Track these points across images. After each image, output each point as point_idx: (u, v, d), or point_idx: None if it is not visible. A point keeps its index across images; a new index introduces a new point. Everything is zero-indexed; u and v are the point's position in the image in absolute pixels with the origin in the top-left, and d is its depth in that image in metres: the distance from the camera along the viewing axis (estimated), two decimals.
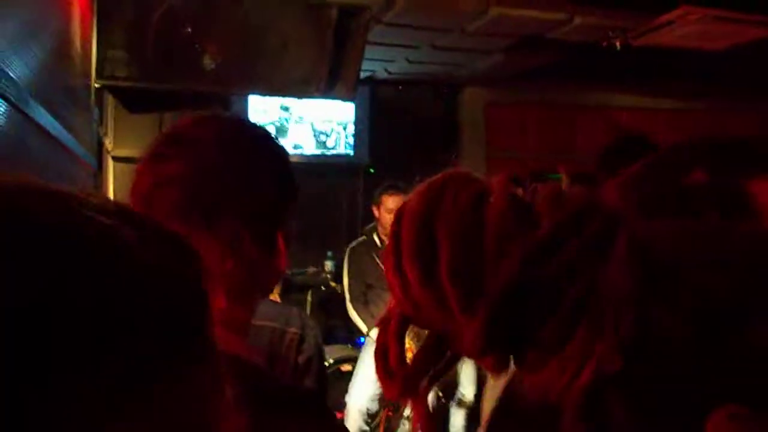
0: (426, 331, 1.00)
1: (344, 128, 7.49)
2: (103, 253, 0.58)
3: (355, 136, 7.49)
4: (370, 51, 5.95)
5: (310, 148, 7.36)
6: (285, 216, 1.39)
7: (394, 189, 5.35)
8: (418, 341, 3.65)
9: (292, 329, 2.72)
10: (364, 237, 5.63)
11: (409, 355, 3.36)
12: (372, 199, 5.74)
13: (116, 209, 0.64)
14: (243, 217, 1.30)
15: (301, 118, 7.29)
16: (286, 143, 7.29)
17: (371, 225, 5.62)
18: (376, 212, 5.45)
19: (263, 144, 1.41)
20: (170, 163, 1.30)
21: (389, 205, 5.28)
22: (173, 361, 0.61)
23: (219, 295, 1.28)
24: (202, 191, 1.29)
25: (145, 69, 4.77)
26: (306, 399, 1.49)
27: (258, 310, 2.37)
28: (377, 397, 5.44)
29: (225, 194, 1.30)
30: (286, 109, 7.15)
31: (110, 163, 6.85)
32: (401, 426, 4.81)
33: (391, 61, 6.67)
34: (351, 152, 7.49)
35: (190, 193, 1.28)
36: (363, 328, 5.50)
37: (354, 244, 5.69)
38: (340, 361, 6.01)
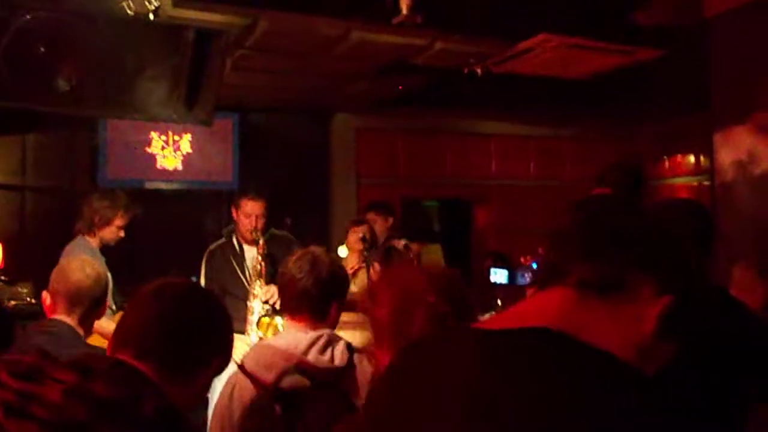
0: None
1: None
2: None
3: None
4: (236, 76, 5.91)
5: (179, 175, 7.26)
6: None
7: (254, 195, 5.32)
8: None
9: None
10: (223, 239, 5.53)
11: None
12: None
13: None
14: None
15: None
16: (157, 168, 7.19)
17: (230, 227, 5.53)
18: (234, 215, 5.39)
19: None
20: None
21: (247, 209, 5.25)
22: None
23: None
24: None
25: None
26: None
27: None
28: None
29: None
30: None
31: None
32: None
33: (261, 87, 6.64)
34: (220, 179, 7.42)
35: None
36: None
37: (213, 246, 5.54)
38: None
